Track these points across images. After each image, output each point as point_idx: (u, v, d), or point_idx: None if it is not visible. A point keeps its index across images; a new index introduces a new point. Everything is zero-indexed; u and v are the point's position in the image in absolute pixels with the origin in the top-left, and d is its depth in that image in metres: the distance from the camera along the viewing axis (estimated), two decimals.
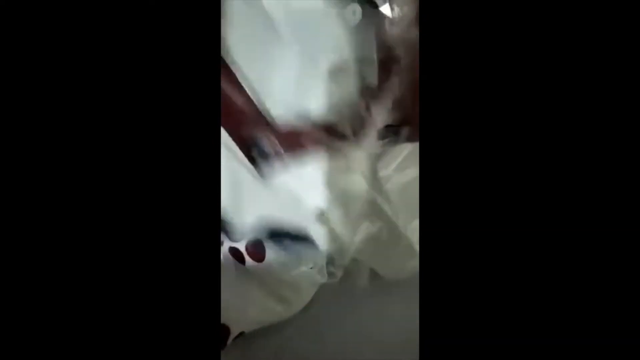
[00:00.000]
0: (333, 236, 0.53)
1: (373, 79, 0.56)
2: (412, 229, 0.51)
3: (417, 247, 0.52)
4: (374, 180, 0.55)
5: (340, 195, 0.55)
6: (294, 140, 0.48)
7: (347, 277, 0.52)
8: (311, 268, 0.49)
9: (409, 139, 0.65)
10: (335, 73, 0.52)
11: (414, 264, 0.52)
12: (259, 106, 0.46)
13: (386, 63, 0.75)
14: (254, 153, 0.46)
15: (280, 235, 0.46)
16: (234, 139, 0.45)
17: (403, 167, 0.55)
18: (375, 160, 0.58)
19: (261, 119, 0.47)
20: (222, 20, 0.40)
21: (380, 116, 0.61)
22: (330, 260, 0.52)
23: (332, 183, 0.56)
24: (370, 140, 0.54)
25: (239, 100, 0.45)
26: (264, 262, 0.46)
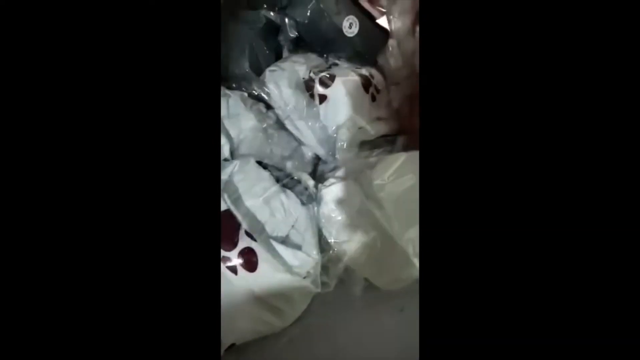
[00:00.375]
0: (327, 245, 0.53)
1: None
2: (406, 239, 0.51)
3: (412, 256, 0.51)
4: (369, 188, 0.55)
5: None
6: None
7: (341, 287, 0.52)
8: (304, 278, 0.49)
9: (405, 148, 0.66)
10: None
11: (408, 273, 0.52)
12: None
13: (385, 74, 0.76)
14: None
15: None
16: None
17: (398, 175, 0.54)
18: (370, 168, 0.58)
19: None
20: None
21: None
22: (324, 270, 0.52)
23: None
24: None
25: None
26: (256, 271, 0.46)
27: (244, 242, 0.46)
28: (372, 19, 0.73)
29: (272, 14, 0.71)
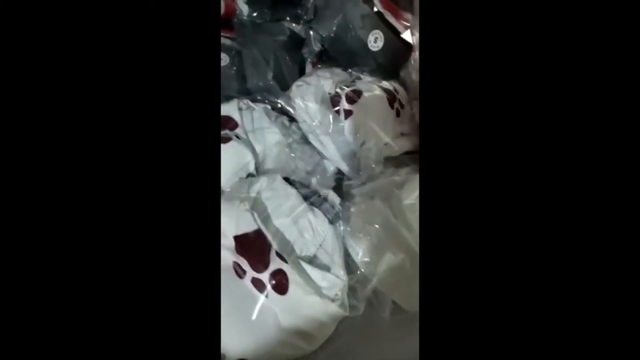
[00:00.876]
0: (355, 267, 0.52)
1: None
2: None
3: None
4: (397, 208, 0.54)
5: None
6: None
7: (369, 308, 0.51)
8: (333, 301, 0.48)
9: None
10: None
11: None
12: None
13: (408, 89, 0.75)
14: None
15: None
16: None
17: None
18: (397, 187, 0.57)
19: None
20: None
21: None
22: (352, 292, 0.51)
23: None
24: None
25: None
26: (286, 294, 0.45)
27: (275, 263, 0.46)
28: (397, 33, 0.73)
29: (294, 25, 0.71)
